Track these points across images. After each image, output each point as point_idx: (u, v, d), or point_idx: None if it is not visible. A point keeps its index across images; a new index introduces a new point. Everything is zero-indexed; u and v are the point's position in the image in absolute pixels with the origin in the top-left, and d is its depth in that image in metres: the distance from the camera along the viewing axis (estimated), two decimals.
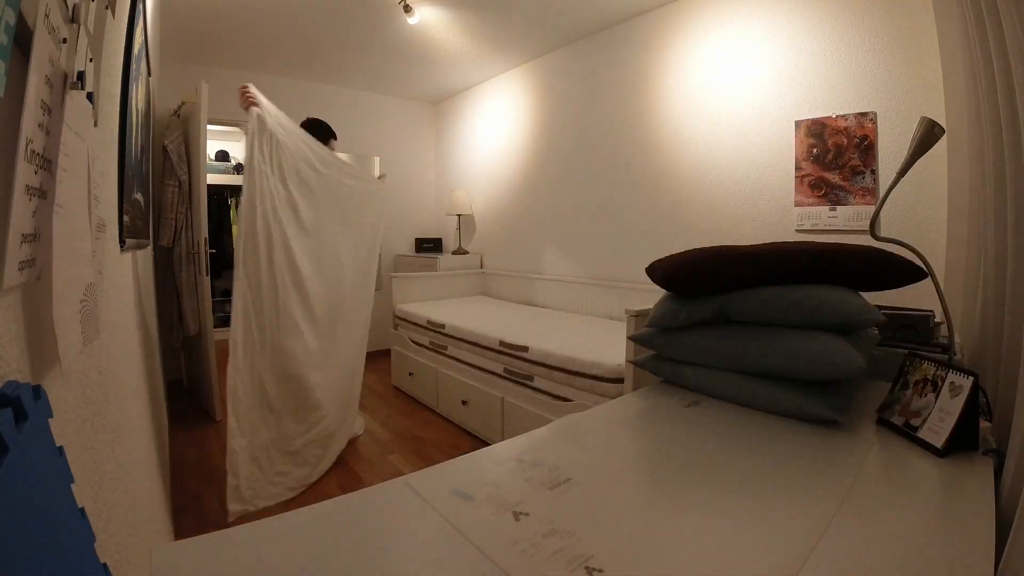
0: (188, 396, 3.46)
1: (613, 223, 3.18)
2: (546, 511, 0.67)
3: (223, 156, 5.47)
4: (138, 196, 1.63)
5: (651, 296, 2.57)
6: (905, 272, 1.07)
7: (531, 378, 2.32)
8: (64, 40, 0.45)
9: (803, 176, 2.24)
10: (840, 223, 2.13)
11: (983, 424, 0.88)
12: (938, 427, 0.86)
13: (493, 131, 4.22)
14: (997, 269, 0.92)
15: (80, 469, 0.47)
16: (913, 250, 1.22)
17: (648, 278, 1.34)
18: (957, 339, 1.29)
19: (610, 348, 2.13)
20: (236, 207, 5.52)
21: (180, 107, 3.25)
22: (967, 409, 0.83)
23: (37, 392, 0.31)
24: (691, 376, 1.20)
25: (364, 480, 2.28)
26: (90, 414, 0.58)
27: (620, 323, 2.60)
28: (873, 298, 1.91)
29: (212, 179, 4.32)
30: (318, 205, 2.21)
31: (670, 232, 2.82)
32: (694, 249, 1.26)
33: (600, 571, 0.55)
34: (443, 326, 2.97)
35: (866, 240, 2.00)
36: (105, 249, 0.78)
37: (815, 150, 2.19)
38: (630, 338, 1.42)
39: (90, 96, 0.56)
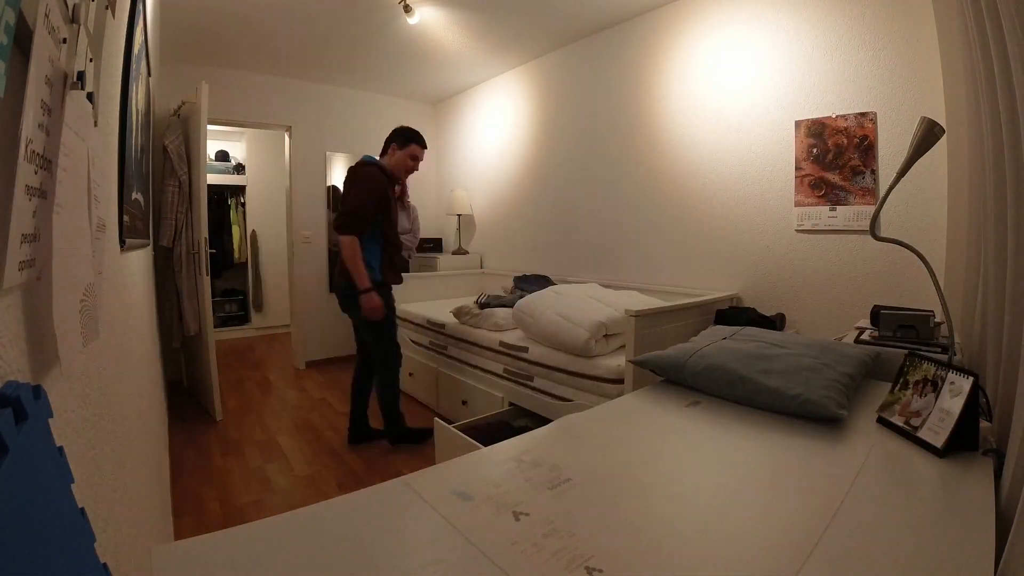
0: (188, 396, 3.46)
1: (612, 223, 3.18)
2: (546, 511, 0.67)
3: (223, 156, 5.47)
4: (138, 196, 1.63)
5: (651, 297, 2.57)
6: None
7: (531, 378, 2.32)
8: (64, 40, 0.45)
9: (803, 176, 2.24)
10: (840, 223, 2.13)
11: (983, 424, 0.88)
12: (938, 427, 0.86)
13: (493, 131, 4.21)
14: (997, 269, 0.92)
15: (80, 469, 0.47)
16: (913, 250, 1.22)
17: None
18: (957, 339, 1.29)
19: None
20: (236, 207, 5.53)
21: (180, 107, 3.25)
22: (967, 409, 0.83)
23: (37, 392, 0.31)
24: (691, 375, 1.20)
25: (364, 480, 2.28)
26: (90, 414, 0.58)
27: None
28: (873, 298, 1.92)
29: (212, 179, 4.33)
30: None
31: (669, 232, 2.82)
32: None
33: (600, 571, 0.55)
34: (443, 326, 2.97)
35: (866, 240, 2.02)
36: (105, 249, 0.78)
37: (815, 150, 2.19)
38: (631, 361, 1.42)
39: (90, 96, 0.56)
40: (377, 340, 2.47)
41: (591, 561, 0.56)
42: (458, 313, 2.91)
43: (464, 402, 2.75)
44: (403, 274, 2.63)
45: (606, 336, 2.12)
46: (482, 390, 2.63)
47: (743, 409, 1.09)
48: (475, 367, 2.71)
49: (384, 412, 2.53)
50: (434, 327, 3.07)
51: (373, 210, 2.32)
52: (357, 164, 2.43)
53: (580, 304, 2.27)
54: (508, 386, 2.46)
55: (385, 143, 2.56)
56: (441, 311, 3.23)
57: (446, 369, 2.97)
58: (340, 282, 2.38)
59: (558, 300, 2.35)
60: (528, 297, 2.51)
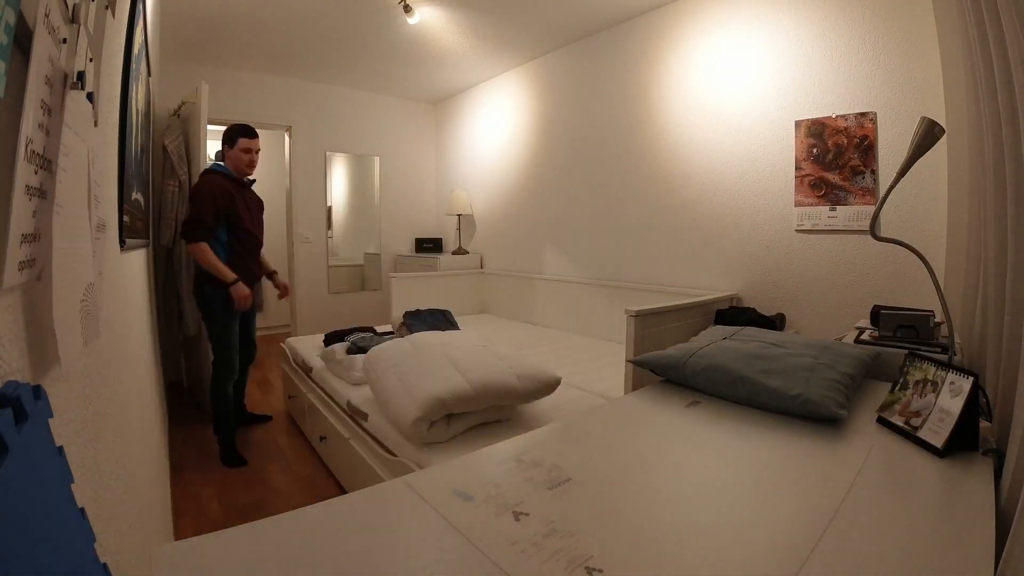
0: (188, 396, 3.46)
1: (613, 223, 3.18)
2: (546, 511, 0.67)
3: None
4: (138, 196, 1.63)
5: (651, 297, 2.57)
6: None
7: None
8: (64, 40, 0.45)
9: (803, 176, 2.24)
10: (840, 223, 2.13)
11: (983, 424, 0.88)
12: (938, 427, 0.86)
13: (493, 131, 4.22)
14: (997, 269, 0.92)
15: (80, 469, 0.47)
16: (913, 250, 1.22)
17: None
18: (957, 339, 1.29)
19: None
20: None
21: (180, 107, 3.24)
22: (967, 409, 0.83)
23: (37, 392, 0.31)
24: (691, 375, 1.20)
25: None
26: (90, 414, 0.58)
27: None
28: (873, 298, 1.92)
29: None
30: None
31: (669, 232, 2.82)
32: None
33: (600, 571, 0.55)
34: (311, 371, 2.57)
35: (866, 240, 2.02)
36: (105, 249, 0.78)
37: (815, 150, 2.19)
38: (631, 361, 1.42)
39: (90, 96, 0.56)
40: (209, 338, 2.43)
41: (591, 561, 0.56)
42: (325, 357, 2.49)
43: None
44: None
45: (448, 417, 1.52)
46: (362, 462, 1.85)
47: (743, 409, 1.09)
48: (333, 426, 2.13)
49: (214, 423, 2.41)
50: (304, 370, 2.63)
51: (213, 215, 2.29)
52: (201, 172, 2.45)
53: (430, 365, 1.63)
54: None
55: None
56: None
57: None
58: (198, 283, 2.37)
59: (408, 356, 1.74)
60: (383, 345, 1.90)
